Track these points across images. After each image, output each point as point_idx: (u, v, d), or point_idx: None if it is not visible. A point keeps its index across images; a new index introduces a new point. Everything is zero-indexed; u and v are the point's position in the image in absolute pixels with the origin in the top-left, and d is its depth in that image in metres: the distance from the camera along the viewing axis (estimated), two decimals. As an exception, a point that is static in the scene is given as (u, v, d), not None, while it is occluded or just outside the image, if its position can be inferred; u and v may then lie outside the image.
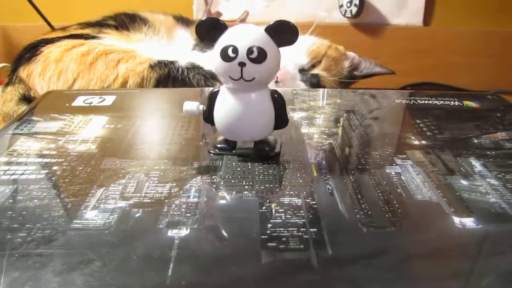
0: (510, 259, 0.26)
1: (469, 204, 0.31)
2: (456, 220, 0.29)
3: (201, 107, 0.38)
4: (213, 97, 0.36)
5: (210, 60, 0.63)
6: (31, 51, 0.67)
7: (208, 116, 0.37)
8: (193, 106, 0.38)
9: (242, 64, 0.32)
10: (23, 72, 0.65)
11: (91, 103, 0.49)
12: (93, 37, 0.68)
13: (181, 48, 0.75)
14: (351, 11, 0.94)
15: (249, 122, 0.35)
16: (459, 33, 0.97)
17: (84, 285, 0.24)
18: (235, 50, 0.32)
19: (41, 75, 0.63)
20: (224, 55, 0.32)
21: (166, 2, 0.92)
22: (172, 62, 0.65)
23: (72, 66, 0.62)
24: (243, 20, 0.99)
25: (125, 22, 0.76)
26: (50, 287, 0.23)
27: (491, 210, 0.30)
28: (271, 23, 0.32)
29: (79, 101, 0.49)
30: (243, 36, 0.32)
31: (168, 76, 0.63)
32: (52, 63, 0.63)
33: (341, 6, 0.96)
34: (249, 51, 0.32)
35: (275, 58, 0.33)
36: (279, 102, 0.36)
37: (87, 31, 0.71)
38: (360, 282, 0.24)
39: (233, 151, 0.37)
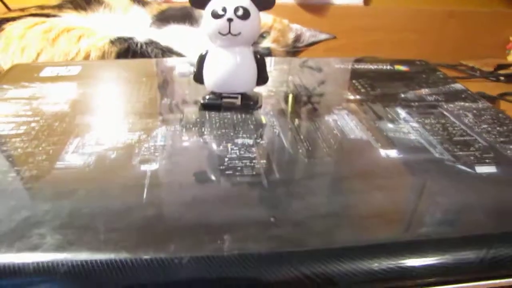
0: (421, 177, 0.32)
1: (393, 140, 0.37)
2: (382, 152, 0.35)
3: (192, 68, 0.43)
4: (202, 59, 0.42)
5: (166, 35, 0.68)
6: (-9, 29, 0.68)
7: (197, 75, 0.42)
8: (185, 68, 0.44)
9: (230, 20, 0.38)
10: (-16, 49, 0.67)
11: (58, 73, 0.51)
12: (53, 16, 0.70)
13: (138, 26, 0.77)
14: (297, -8, 0.98)
15: (234, 76, 0.41)
16: (395, 11, 1.03)
17: (71, 209, 0.27)
18: (224, 9, 0.38)
19: (3, 51, 0.65)
20: (215, 14, 0.38)
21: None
22: (131, 38, 0.67)
23: (35, 42, 0.64)
24: None
25: (82, 4, 0.78)
26: (42, 210, 0.27)
27: (410, 145, 0.36)
28: None
29: (46, 72, 0.51)
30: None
31: (127, 50, 0.65)
32: (15, 39, 0.65)
33: (287, -14, 1.00)
34: (236, 9, 0.38)
35: (256, 18, 0.39)
36: (261, 61, 0.42)
37: (47, 11, 0.73)
38: (302, 196, 0.30)
39: (222, 100, 0.42)
